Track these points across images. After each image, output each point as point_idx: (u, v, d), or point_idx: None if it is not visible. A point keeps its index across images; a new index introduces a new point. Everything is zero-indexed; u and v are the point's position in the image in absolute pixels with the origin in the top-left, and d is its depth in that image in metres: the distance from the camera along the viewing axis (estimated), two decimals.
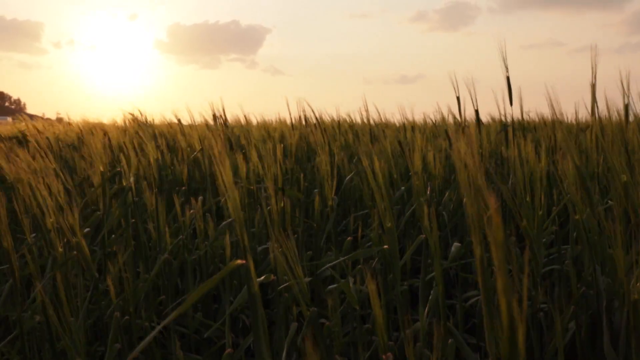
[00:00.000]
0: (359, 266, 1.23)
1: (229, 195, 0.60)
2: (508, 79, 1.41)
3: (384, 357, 0.68)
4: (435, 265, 0.71)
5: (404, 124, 2.85)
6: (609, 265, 0.81)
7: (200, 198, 1.54)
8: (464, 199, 1.52)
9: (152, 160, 1.92)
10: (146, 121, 3.41)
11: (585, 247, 0.85)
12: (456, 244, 0.79)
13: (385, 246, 0.76)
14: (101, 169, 1.48)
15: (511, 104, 1.47)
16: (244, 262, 0.58)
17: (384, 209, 0.73)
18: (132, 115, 3.36)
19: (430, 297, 0.80)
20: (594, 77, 1.18)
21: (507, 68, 1.38)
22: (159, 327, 0.42)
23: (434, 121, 3.17)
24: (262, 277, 0.77)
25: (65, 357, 0.99)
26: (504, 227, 0.27)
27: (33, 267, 0.98)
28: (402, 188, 1.69)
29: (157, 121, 3.48)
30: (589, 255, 0.84)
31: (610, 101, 1.23)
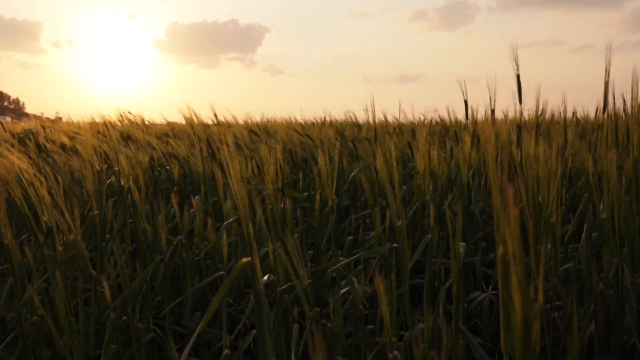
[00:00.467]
0: (359, 266, 1.21)
1: (236, 192, 0.58)
2: (518, 77, 1.39)
3: (391, 355, 0.67)
4: (453, 266, 0.70)
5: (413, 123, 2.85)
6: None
7: (196, 197, 1.52)
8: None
9: (146, 159, 1.90)
10: (143, 122, 3.40)
11: (610, 245, 0.84)
12: (462, 244, 0.78)
13: (395, 244, 0.74)
14: (97, 167, 1.46)
15: (520, 102, 1.46)
16: (249, 259, 0.57)
17: (395, 205, 0.72)
18: (125, 115, 3.36)
19: (438, 297, 0.79)
20: (607, 74, 1.16)
21: (517, 66, 1.36)
22: (191, 343, 0.41)
23: (441, 120, 3.17)
24: (264, 278, 0.75)
25: (63, 358, 0.97)
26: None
27: (33, 266, 0.96)
28: (404, 187, 1.68)
29: (151, 121, 3.49)
30: (614, 253, 0.83)
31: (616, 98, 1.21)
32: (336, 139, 2.27)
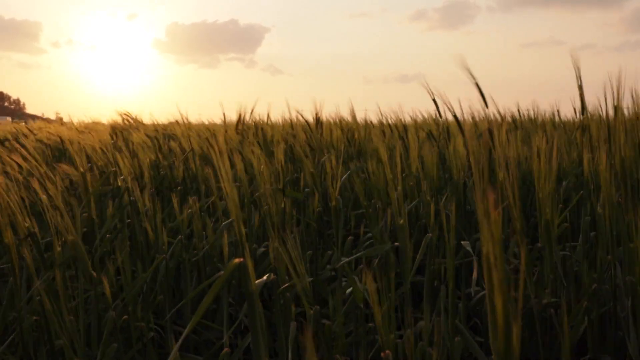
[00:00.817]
0: (361, 266, 1.22)
1: (228, 193, 0.59)
2: (477, 84, 1.40)
3: (383, 354, 0.67)
4: (448, 264, 0.70)
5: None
6: (629, 260, 0.80)
7: (194, 197, 1.52)
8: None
9: (147, 160, 1.90)
10: (141, 122, 3.40)
11: (602, 242, 0.85)
12: (464, 242, 0.78)
13: (396, 243, 0.75)
14: (82, 169, 1.46)
15: (487, 106, 1.48)
16: (242, 260, 0.57)
17: (397, 205, 0.72)
18: (124, 116, 3.37)
19: (438, 295, 0.79)
20: (579, 78, 1.20)
21: (473, 76, 1.35)
22: (179, 341, 0.41)
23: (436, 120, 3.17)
24: (264, 277, 0.76)
25: (63, 358, 0.98)
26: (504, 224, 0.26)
27: (32, 266, 0.97)
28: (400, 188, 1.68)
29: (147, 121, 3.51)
30: (607, 250, 0.84)
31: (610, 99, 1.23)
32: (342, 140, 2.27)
